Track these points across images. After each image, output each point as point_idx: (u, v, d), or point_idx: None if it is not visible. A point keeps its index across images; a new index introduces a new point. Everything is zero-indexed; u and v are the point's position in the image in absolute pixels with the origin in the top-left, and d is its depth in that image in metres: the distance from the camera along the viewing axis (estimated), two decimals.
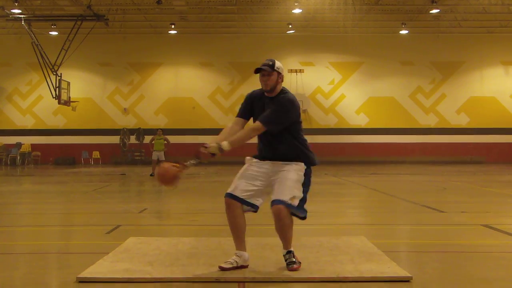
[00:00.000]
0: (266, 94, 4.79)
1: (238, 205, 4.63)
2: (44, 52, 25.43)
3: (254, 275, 4.49)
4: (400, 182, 16.93)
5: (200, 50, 30.33)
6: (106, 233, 6.84)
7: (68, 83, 27.53)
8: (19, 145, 29.64)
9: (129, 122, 30.37)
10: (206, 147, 4.47)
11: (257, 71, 4.71)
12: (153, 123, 29.16)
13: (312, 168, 4.80)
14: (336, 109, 30.57)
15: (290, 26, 28.58)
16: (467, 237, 6.71)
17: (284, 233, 4.64)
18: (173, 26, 28.28)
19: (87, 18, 24.90)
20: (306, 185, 4.69)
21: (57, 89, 26.07)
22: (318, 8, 25.75)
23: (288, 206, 4.54)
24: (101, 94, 30.61)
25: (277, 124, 4.64)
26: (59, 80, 26.19)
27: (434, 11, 26.46)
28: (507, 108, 30.60)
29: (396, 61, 30.52)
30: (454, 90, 30.60)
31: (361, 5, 25.64)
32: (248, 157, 4.84)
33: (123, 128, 29.84)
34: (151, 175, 18.69)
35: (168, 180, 4.51)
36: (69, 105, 27.99)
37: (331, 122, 30.46)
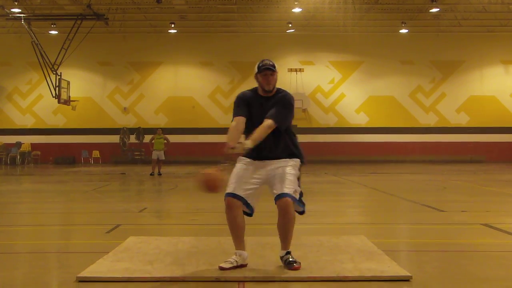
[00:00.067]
0: (263, 93, 4.82)
1: (239, 205, 4.64)
2: (44, 51, 25.44)
3: (254, 275, 4.49)
4: (400, 181, 16.93)
5: (200, 49, 30.33)
6: (106, 233, 6.84)
7: (68, 82, 27.53)
8: (19, 144, 29.65)
9: (129, 121, 30.38)
10: (232, 148, 4.46)
11: (267, 69, 4.72)
12: (153, 123, 29.16)
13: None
14: (336, 108, 30.58)
15: (290, 25, 28.58)
16: (467, 236, 6.71)
17: (288, 229, 4.66)
18: (173, 26, 28.28)
19: (87, 17, 24.91)
20: (299, 180, 4.82)
21: (57, 88, 26.09)
22: (318, 7, 25.75)
23: (293, 199, 4.62)
24: (101, 93, 30.61)
25: (286, 122, 4.79)
26: (59, 80, 26.20)
27: (434, 10, 26.47)
28: (507, 107, 30.60)
29: (396, 60, 30.53)
30: (454, 89, 30.60)
31: (361, 4, 25.64)
32: (241, 157, 4.82)
33: (123, 128, 29.85)
34: (151, 174, 18.70)
35: (219, 186, 4.51)
36: (69, 105, 28.00)
37: (331, 121, 30.47)
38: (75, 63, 28.42)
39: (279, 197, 4.60)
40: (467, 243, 6.17)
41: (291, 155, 4.79)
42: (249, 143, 4.50)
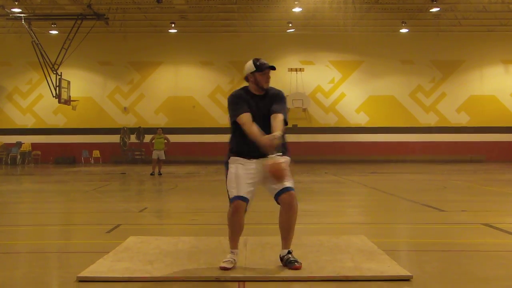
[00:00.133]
0: (256, 92, 4.83)
1: (244, 206, 4.67)
2: (44, 51, 25.44)
3: (254, 274, 4.49)
4: (400, 181, 16.93)
5: (200, 49, 30.33)
6: (106, 232, 6.84)
7: (68, 82, 27.54)
8: (19, 144, 29.65)
9: (129, 121, 30.38)
10: (275, 138, 4.51)
11: (269, 68, 4.82)
12: (153, 122, 29.17)
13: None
14: (336, 108, 30.58)
15: (290, 25, 28.58)
16: (467, 236, 6.71)
17: (292, 223, 4.69)
18: (173, 25, 28.28)
19: (87, 17, 24.91)
20: None
21: (57, 88, 26.09)
22: (318, 6, 25.75)
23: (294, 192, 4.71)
24: (101, 93, 30.62)
25: (287, 117, 4.86)
26: (59, 79, 26.20)
27: (434, 9, 26.46)
28: (507, 107, 30.59)
29: (396, 59, 30.52)
30: (454, 89, 30.60)
31: (361, 4, 25.64)
32: (233, 157, 4.78)
33: (123, 127, 29.84)
34: (151, 174, 18.70)
35: (286, 174, 4.57)
36: (69, 104, 28.00)
37: (331, 121, 30.46)
38: (75, 63, 28.42)
39: (283, 191, 4.62)
40: (467, 243, 6.17)
41: (281, 153, 4.79)
42: (280, 133, 4.56)
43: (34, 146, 29.91)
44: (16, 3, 24.06)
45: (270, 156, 4.49)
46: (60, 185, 15.67)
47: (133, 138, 29.81)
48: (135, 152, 29.84)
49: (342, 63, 30.65)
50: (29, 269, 5.00)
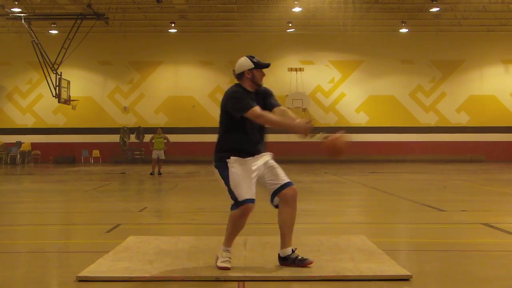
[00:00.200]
0: (251, 89, 4.84)
1: (253, 208, 4.66)
2: (44, 50, 25.43)
3: (254, 274, 4.50)
4: (400, 180, 16.92)
5: (200, 48, 30.33)
6: (106, 232, 6.84)
7: (68, 82, 27.52)
8: (19, 144, 29.63)
9: (129, 120, 30.37)
10: (310, 120, 4.66)
11: (266, 66, 4.85)
12: (153, 122, 29.17)
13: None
14: (336, 107, 30.58)
15: (290, 25, 28.57)
16: (467, 236, 6.71)
17: (294, 219, 4.70)
18: (173, 25, 28.27)
19: (87, 16, 24.89)
20: None
21: (57, 87, 26.07)
22: (318, 6, 25.75)
23: None
24: (101, 92, 30.61)
25: None
26: (59, 79, 26.18)
27: (434, 9, 26.46)
28: (507, 107, 30.59)
29: (396, 59, 30.52)
30: (454, 89, 30.60)
31: (361, 4, 25.63)
32: (233, 157, 4.72)
33: (123, 127, 29.84)
34: (151, 173, 18.70)
35: (345, 149, 4.68)
36: (69, 104, 27.98)
37: (331, 120, 30.45)
38: (75, 63, 28.41)
39: (286, 186, 4.64)
40: (467, 243, 6.17)
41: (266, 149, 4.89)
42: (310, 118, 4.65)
43: (34, 145, 29.90)
44: (16, 2, 24.04)
45: (317, 135, 4.50)
46: (60, 184, 15.67)
47: (133, 138, 29.80)
48: (135, 152, 29.83)
49: (342, 63, 30.64)
50: (29, 268, 5.01)
